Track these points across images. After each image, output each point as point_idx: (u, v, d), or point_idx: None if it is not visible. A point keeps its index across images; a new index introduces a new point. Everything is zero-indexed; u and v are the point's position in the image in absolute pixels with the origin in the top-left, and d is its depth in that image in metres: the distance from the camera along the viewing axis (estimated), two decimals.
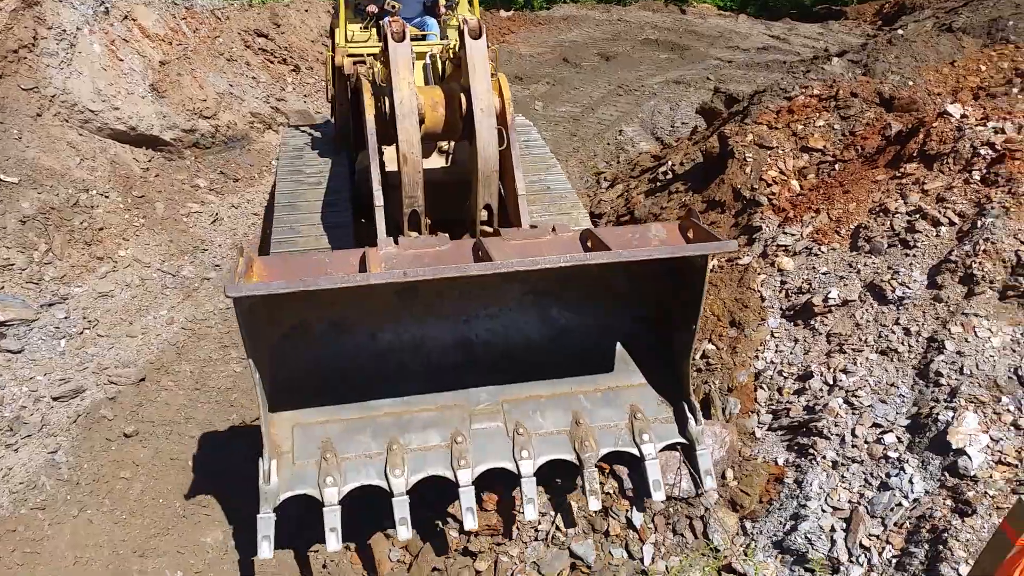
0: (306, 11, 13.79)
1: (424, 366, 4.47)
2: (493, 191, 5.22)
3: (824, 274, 5.46)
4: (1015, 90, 7.71)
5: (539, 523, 4.48)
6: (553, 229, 4.41)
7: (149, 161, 8.96)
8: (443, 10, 7.57)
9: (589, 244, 4.23)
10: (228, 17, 11.86)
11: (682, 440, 4.40)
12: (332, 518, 3.93)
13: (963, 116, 6.12)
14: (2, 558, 4.43)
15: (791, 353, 5.07)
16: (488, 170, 5.12)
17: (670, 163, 8.23)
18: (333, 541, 3.91)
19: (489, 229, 5.30)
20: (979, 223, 5.00)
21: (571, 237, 4.30)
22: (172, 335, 6.77)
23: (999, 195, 5.18)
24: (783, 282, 5.63)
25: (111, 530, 4.83)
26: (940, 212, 5.31)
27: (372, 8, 7.23)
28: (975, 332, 4.44)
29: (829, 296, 5.18)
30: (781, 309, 5.45)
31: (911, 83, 8.05)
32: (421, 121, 5.04)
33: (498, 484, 4.54)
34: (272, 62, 12.00)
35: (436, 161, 6.73)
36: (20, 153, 7.62)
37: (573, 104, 13.66)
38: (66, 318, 6.73)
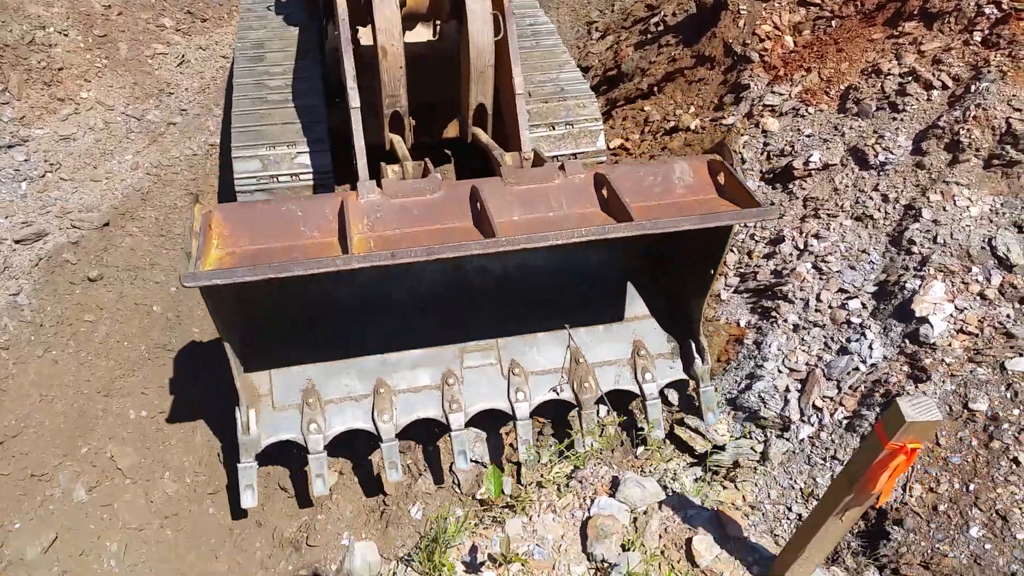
0: None
1: (411, 295, 4.11)
2: (487, 89, 4.51)
3: (808, 136, 5.27)
4: None
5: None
6: (561, 167, 3.71)
7: None
8: None
9: (604, 193, 3.59)
10: None
11: (686, 378, 4.22)
12: (318, 465, 3.76)
13: None
14: None
15: None
16: (481, 64, 4.40)
17: (663, 13, 7.79)
18: (320, 486, 3.75)
19: (483, 137, 4.63)
20: (973, 88, 4.77)
21: (583, 181, 3.63)
22: (137, 180, 6.57)
23: (998, 58, 4.91)
24: (765, 144, 5.44)
25: (76, 370, 4.84)
26: (934, 75, 5.05)
27: None
28: (954, 201, 4.32)
29: (810, 159, 5.01)
30: (760, 172, 5.29)
31: None
32: (403, 3, 4.35)
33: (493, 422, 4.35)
34: None
35: (421, 33, 5.71)
36: None
37: None
38: (26, 160, 6.49)
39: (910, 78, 5.14)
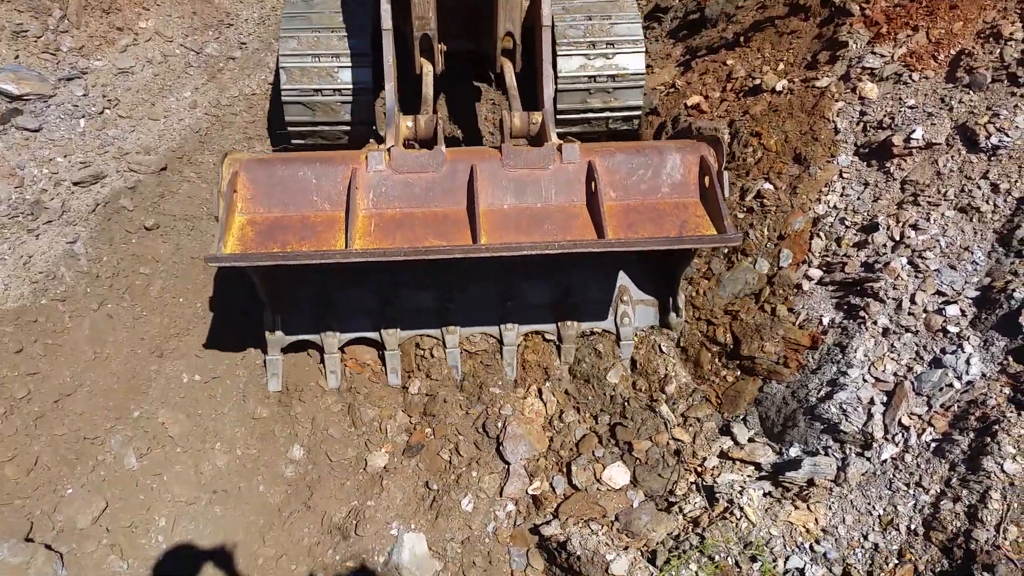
0: None
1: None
2: (515, 16, 4.48)
3: (911, 108, 4.77)
4: None
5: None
6: (559, 149, 3.90)
7: None
8: None
9: (592, 187, 3.85)
10: None
11: (659, 326, 4.71)
12: (332, 362, 4.51)
13: None
14: (25, 348, 4.45)
15: (858, 199, 4.55)
16: None
17: None
18: (333, 380, 4.49)
19: (508, 76, 4.67)
20: None
21: (575, 171, 3.85)
22: (195, 121, 6.41)
23: None
24: (862, 113, 4.96)
25: (131, 327, 4.81)
26: None
27: None
28: None
29: (912, 136, 4.55)
30: (855, 145, 4.84)
31: None
32: None
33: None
34: None
35: None
36: None
37: None
38: (85, 95, 6.37)
39: None
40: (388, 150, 3.92)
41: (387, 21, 4.22)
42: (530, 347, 4.72)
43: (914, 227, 4.17)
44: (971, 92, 4.63)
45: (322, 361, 4.57)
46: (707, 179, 3.82)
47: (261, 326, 4.50)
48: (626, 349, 4.63)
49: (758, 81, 5.58)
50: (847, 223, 4.45)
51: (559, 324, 4.59)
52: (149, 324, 4.82)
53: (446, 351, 4.51)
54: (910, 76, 4.96)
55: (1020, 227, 3.88)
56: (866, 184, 4.60)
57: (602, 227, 3.65)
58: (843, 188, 4.65)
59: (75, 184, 5.60)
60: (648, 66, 6.73)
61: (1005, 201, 4.05)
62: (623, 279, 4.65)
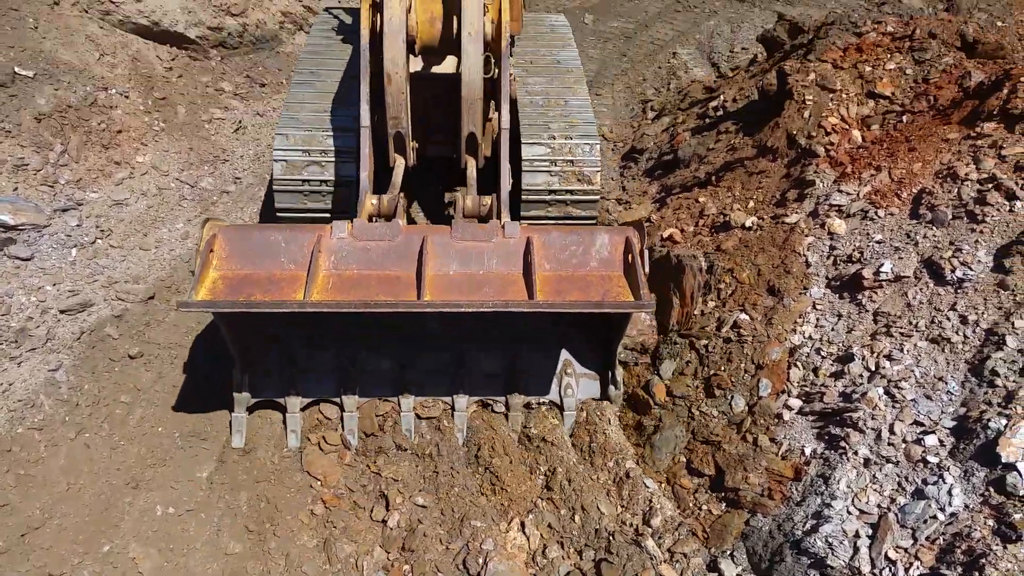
0: None
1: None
2: (477, 120, 5.05)
3: (878, 243, 4.98)
4: None
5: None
6: (503, 227, 4.41)
7: (172, 60, 8.56)
8: None
9: (530, 258, 4.26)
10: None
11: (599, 399, 5.03)
12: (293, 422, 4.83)
13: None
14: None
15: (832, 330, 4.67)
16: (471, 97, 4.94)
17: (722, 98, 7.61)
18: (293, 439, 4.81)
19: (469, 170, 5.21)
20: None
21: (515, 245, 4.32)
22: (186, 250, 6.54)
23: None
24: (832, 247, 5.16)
25: (107, 457, 4.73)
26: (1017, 184, 4.76)
27: None
28: None
29: (881, 269, 4.72)
30: (827, 278, 5.01)
31: (1000, 24, 7.24)
32: (412, 40, 4.87)
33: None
34: None
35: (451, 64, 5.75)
36: (36, 44, 7.28)
37: (627, 19, 12.76)
38: (78, 226, 6.52)
39: (990, 185, 4.85)
40: (351, 220, 4.44)
41: (365, 119, 5.00)
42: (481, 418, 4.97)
43: (888, 357, 4.26)
44: (934, 228, 4.85)
45: (284, 421, 4.88)
46: (630, 256, 4.25)
47: (231, 390, 4.84)
48: (569, 419, 4.95)
49: (729, 218, 5.82)
50: (823, 353, 4.54)
51: (507, 395, 4.93)
52: (126, 454, 4.74)
53: (400, 415, 4.85)
54: (876, 213, 5.20)
55: (989, 358, 3.98)
56: (839, 315, 4.73)
57: (533, 291, 4.08)
58: (817, 319, 4.78)
59: (62, 312, 5.64)
60: (625, 202, 7.04)
61: (974, 332, 4.17)
62: (566, 354, 5.00)
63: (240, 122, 8.35)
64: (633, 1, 13.75)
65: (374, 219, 4.73)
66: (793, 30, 7.93)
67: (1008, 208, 4.69)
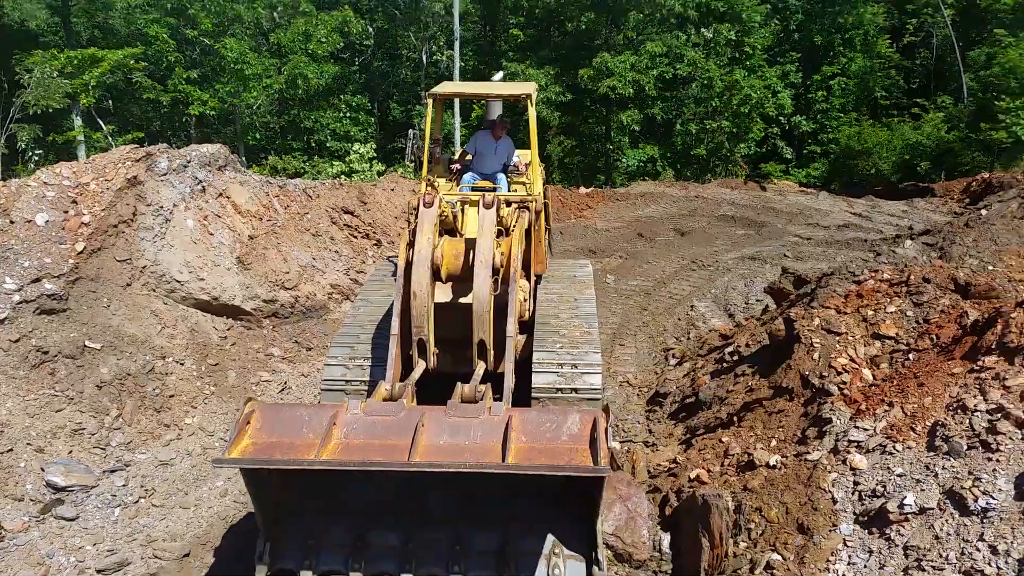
0: (392, 190, 14.64)
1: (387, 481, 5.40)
2: (485, 328, 6.03)
3: (900, 476, 5.03)
4: None
5: None
6: (490, 408, 5.01)
7: (228, 330, 9.35)
8: (522, 168, 9.11)
9: (509, 432, 4.76)
10: (319, 195, 12.69)
11: None
12: None
13: None
14: None
15: (865, 567, 4.59)
16: (480, 310, 5.98)
17: (737, 344, 8.01)
18: None
19: (478, 370, 6.04)
20: None
21: (498, 421, 4.90)
22: (223, 508, 6.72)
23: None
24: (856, 483, 5.20)
25: None
26: None
27: (456, 166, 9.14)
28: None
29: (905, 502, 4.74)
30: (854, 514, 5.00)
31: (990, 268, 7.75)
32: (437, 268, 6.07)
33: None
34: (355, 237, 12.64)
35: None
36: (107, 320, 8.09)
37: (645, 278, 13.72)
38: (124, 485, 6.82)
39: (999, 415, 4.98)
40: (365, 400, 5.24)
41: (395, 328, 6.07)
42: None
43: None
44: (951, 459, 4.92)
45: None
46: (595, 432, 4.71)
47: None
48: None
49: (753, 456, 5.93)
50: None
51: (500, 573, 5.20)
52: None
53: None
54: (894, 447, 5.30)
55: None
56: (870, 551, 4.67)
57: (505, 457, 4.58)
58: (849, 556, 4.72)
59: (98, 572, 5.75)
60: (652, 444, 7.20)
61: (1006, 562, 4.10)
62: (552, 537, 5.27)
63: (285, 383, 8.91)
64: (651, 263, 14.84)
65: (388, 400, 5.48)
66: (797, 281, 8.52)
67: (1020, 436, 4.78)
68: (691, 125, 27.91)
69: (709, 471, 6.19)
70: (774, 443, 6.08)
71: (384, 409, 5.07)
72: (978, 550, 4.24)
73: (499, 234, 6.44)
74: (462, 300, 6.40)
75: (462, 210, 7.19)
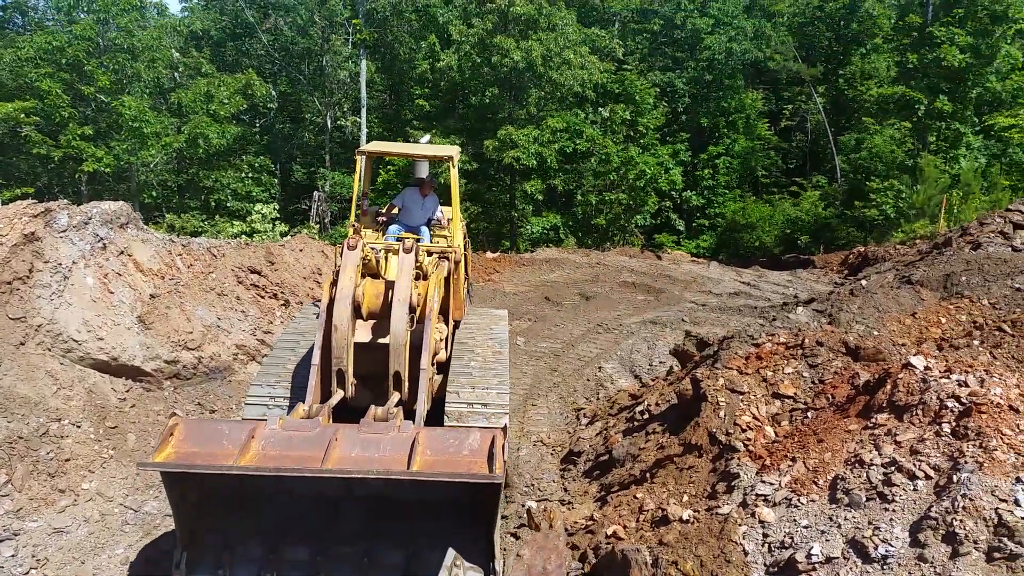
0: (300, 251, 14.48)
1: (304, 491, 5.86)
2: (401, 361, 6.53)
3: (806, 527, 5.34)
4: (975, 342, 8.06)
5: None
6: (399, 426, 5.44)
7: (127, 391, 8.94)
8: (444, 223, 9.81)
9: (416, 446, 5.20)
10: (224, 254, 12.42)
11: None
12: None
13: (927, 368, 6.32)
14: None
15: None
16: (396, 344, 6.49)
17: (646, 403, 8.31)
18: None
19: (392, 399, 6.39)
20: (955, 478, 5.00)
21: (406, 438, 5.32)
22: None
23: (971, 449, 5.23)
24: (765, 535, 5.48)
25: None
26: (915, 465, 5.32)
27: (382, 218, 9.83)
28: None
29: (812, 552, 5.03)
30: (765, 565, 5.26)
31: (876, 333, 8.41)
32: (358, 305, 6.67)
33: None
34: (263, 297, 12.39)
35: None
36: None
37: (554, 340, 14.03)
38: (13, 556, 6.36)
39: (893, 468, 5.39)
40: (282, 417, 5.55)
41: (316, 359, 6.51)
42: None
43: None
44: (852, 510, 5.27)
45: None
46: (493, 447, 5.20)
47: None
48: None
49: (667, 512, 6.14)
50: None
51: None
52: None
53: None
54: (799, 499, 5.62)
55: None
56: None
57: (410, 465, 5.04)
58: None
59: None
60: (568, 502, 7.32)
61: None
62: (453, 551, 5.57)
63: None
64: (559, 326, 15.20)
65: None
66: (700, 344, 8.97)
67: (912, 487, 5.19)
68: (591, 196, 29.03)
69: (625, 527, 6.35)
70: (686, 498, 6.32)
71: (300, 425, 5.46)
72: None
73: (417, 277, 7.04)
74: (381, 340, 6.89)
75: (386, 258, 7.84)
